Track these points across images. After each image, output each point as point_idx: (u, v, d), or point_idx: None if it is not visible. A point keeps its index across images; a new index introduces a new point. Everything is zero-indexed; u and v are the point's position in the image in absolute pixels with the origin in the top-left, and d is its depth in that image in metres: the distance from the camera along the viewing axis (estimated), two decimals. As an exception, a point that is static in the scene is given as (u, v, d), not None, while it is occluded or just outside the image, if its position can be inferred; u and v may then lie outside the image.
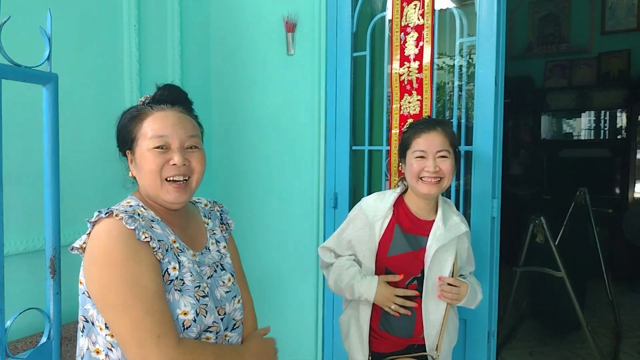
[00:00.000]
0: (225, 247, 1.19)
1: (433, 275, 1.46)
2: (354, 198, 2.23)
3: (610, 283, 3.46)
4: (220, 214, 1.26)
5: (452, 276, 1.48)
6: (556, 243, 3.60)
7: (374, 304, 1.50)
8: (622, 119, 5.03)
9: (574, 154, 5.25)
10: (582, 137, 5.30)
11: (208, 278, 1.07)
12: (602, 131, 5.24)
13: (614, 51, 5.02)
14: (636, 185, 4.80)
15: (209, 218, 1.21)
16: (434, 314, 1.47)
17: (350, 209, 2.17)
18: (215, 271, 1.11)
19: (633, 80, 4.87)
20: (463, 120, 2.01)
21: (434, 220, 1.50)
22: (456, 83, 2.03)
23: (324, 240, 2.22)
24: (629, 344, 3.25)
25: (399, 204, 1.54)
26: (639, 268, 4.50)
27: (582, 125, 5.33)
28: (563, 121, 5.45)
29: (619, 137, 5.04)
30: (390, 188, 2.10)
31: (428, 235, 1.48)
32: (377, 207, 1.53)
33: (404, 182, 1.55)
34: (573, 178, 4.76)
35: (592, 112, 5.23)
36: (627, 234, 4.49)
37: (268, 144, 2.40)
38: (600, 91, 5.11)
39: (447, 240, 1.45)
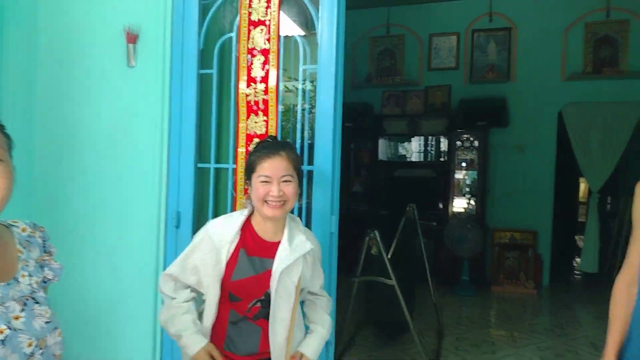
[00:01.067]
0: (37, 282, 1.05)
1: (280, 297, 1.49)
2: (199, 217, 2.19)
3: (434, 288, 3.93)
4: (43, 241, 1.12)
5: (295, 297, 1.52)
6: (390, 254, 4.00)
7: (215, 325, 1.50)
8: (444, 144, 5.80)
9: (406, 174, 5.89)
10: (413, 159, 5.98)
11: (21, 311, 0.96)
12: (429, 154, 5.98)
13: (438, 85, 5.80)
14: (455, 201, 5.56)
15: (25, 247, 1.07)
16: (281, 335, 1.50)
17: (194, 228, 2.13)
18: (26, 304, 0.99)
19: (452, 112, 5.67)
20: (307, 142, 2.13)
21: (280, 242, 1.54)
22: (300, 107, 2.14)
23: (165, 262, 2.14)
24: (448, 341, 3.71)
25: (246, 226, 1.55)
26: (457, 274, 5.19)
27: (413, 149, 6.02)
28: (398, 144, 6.08)
29: (441, 159, 5.80)
30: (236, 206, 2.11)
31: (274, 257, 1.51)
32: (225, 231, 1.52)
33: (250, 201, 1.57)
34: (405, 195, 5.35)
35: (422, 138, 5.95)
36: (448, 244, 5.17)
37: (103, 161, 2.23)
38: (427, 120, 5.84)
39: (292, 261, 1.49)
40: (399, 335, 3.60)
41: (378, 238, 2.69)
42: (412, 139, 5.95)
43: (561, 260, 6.36)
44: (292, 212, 1.86)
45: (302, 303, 1.66)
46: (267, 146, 1.56)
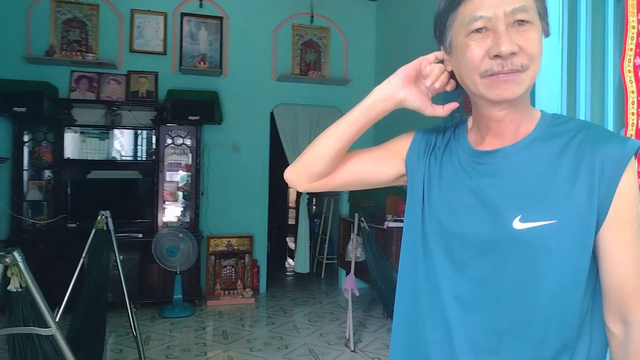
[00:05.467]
0: None
1: None
2: None
3: (134, 316, 3.04)
4: None
5: None
6: (73, 280, 2.92)
7: None
8: (152, 140, 4.93)
9: (104, 176, 4.76)
10: (114, 158, 4.87)
11: None
12: (134, 151, 4.99)
13: (143, 71, 4.90)
14: (165, 207, 4.76)
15: None
16: None
17: None
18: None
19: (160, 103, 4.87)
20: None
21: None
22: None
23: None
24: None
25: None
26: (169, 291, 4.40)
27: (114, 145, 4.92)
28: (92, 139, 4.87)
29: (149, 159, 4.90)
30: None
31: None
32: None
33: None
34: (104, 203, 4.23)
35: (124, 131, 4.92)
36: (157, 258, 4.33)
37: None
38: (130, 110, 4.86)
39: None
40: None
41: (21, 263, 1.66)
42: (112, 132, 4.85)
43: (274, 263, 6.34)
44: None
45: None
46: None
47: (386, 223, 4.23)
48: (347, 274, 5.11)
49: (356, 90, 5.57)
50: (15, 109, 4.28)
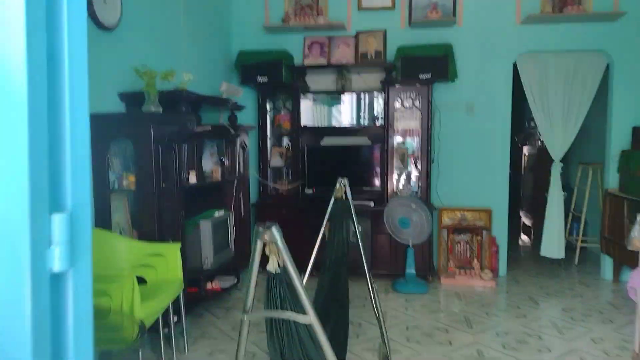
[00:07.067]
0: None
1: None
2: None
3: (376, 294, 2.81)
4: None
5: None
6: (315, 249, 2.82)
7: None
8: (379, 104, 4.66)
9: (336, 142, 4.70)
10: (344, 124, 4.77)
11: None
12: (362, 117, 4.80)
13: (370, 31, 4.62)
14: (394, 175, 4.47)
15: None
16: None
17: None
18: None
19: (388, 63, 4.52)
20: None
21: None
22: None
23: None
24: (397, 371, 2.62)
25: None
26: (399, 264, 4.14)
27: (343, 110, 4.81)
28: (324, 105, 4.85)
29: (377, 123, 4.65)
30: None
31: None
32: None
33: None
34: (335, 169, 4.14)
35: (353, 96, 4.76)
36: (389, 229, 4.08)
37: None
38: (359, 73, 4.66)
39: None
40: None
41: (279, 241, 1.46)
42: (341, 97, 4.73)
43: (510, 241, 5.54)
44: None
45: None
46: None
47: (693, 202, 3.09)
48: (619, 263, 4.09)
49: (631, 27, 4.28)
50: (259, 78, 4.47)
